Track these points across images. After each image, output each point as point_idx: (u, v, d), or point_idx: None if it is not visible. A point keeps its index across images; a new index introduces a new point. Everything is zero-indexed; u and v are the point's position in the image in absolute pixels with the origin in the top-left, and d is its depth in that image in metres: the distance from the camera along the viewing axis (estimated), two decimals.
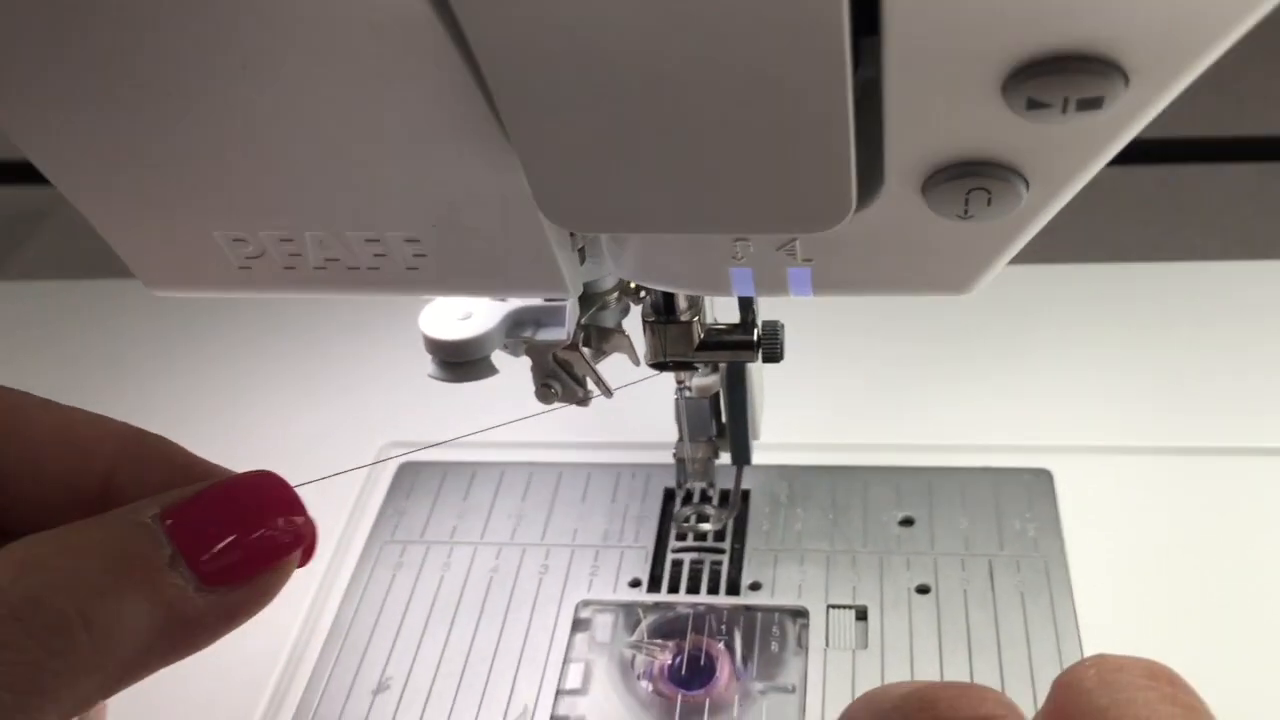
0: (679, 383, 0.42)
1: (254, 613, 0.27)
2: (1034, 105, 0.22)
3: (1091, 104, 0.22)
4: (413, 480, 0.51)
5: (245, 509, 0.26)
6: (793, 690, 0.40)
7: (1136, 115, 0.23)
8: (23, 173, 0.73)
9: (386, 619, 0.45)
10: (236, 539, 0.26)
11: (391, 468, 0.52)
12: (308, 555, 0.29)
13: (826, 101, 0.23)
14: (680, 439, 0.45)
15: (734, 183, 0.25)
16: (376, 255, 0.31)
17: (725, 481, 0.47)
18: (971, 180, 0.25)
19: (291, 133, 0.27)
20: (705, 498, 0.47)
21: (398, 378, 0.57)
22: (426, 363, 0.37)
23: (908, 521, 0.46)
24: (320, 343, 0.61)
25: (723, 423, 0.45)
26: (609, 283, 0.39)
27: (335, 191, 0.29)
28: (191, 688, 0.42)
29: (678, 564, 0.46)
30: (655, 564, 0.46)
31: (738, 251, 0.29)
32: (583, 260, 0.33)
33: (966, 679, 0.39)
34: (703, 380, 0.43)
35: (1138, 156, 0.65)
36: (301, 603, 0.45)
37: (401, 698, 0.42)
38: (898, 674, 0.40)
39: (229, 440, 0.55)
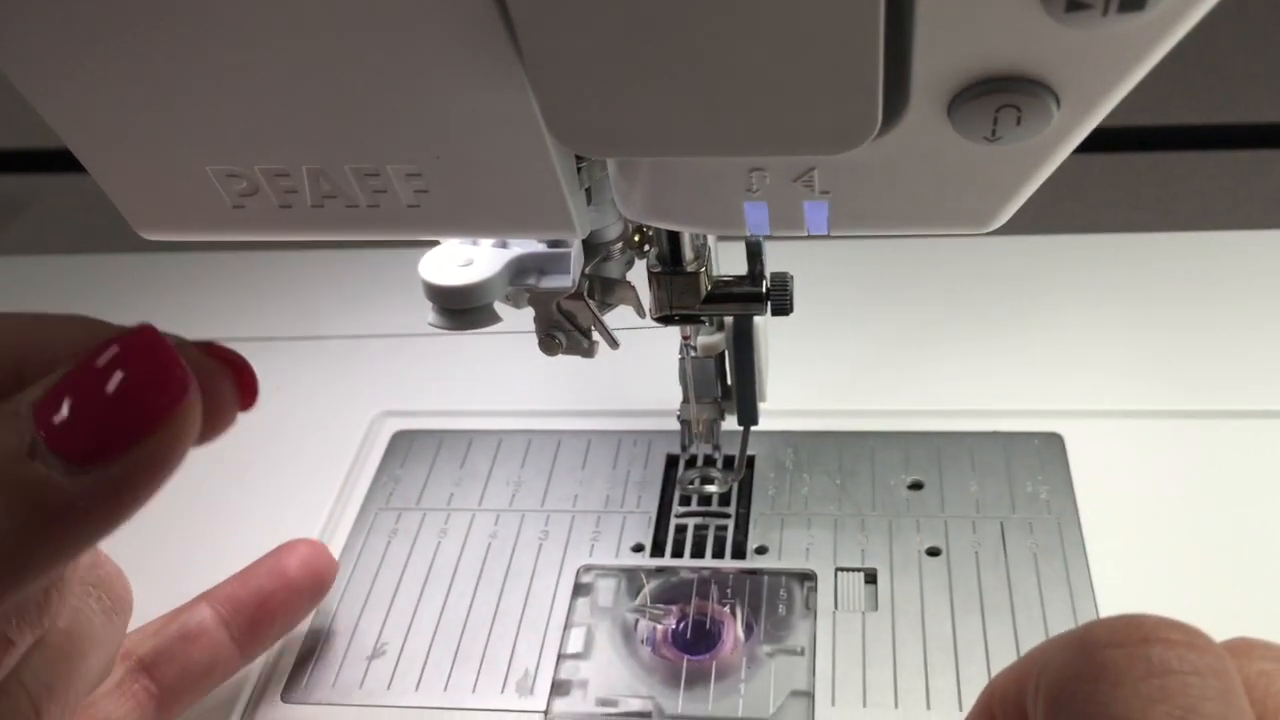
0: (684, 339, 0.41)
1: (151, 487, 0.24)
2: (1073, 7, 0.21)
3: (1134, 4, 0.21)
4: (408, 448, 0.50)
5: (109, 373, 0.23)
6: (801, 652, 0.39)
7: (1174, 22, 0.22)
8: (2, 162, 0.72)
9: (381, 585, 0.44)
10: (101, 407, 0.23)
11: (385, 436, 0.51)
12: (249, 398, 0.26)
13: (856, 7, 0.22)
14: (685, 400, 0.44)
15: (755, 98, 0.24)
16: (376, 192, 0.30)
17: (730, 447, 0.46)
18: (1001, 97, 0.24)
19: (287, 56, 0.26)
20: (710, 461, 0.46)
21: (392, 348, 0.56)
22: (427, 311, 0.36)
23: (917, 485, 0.45)
24: (313, 313, 0.60)
25: (728, 384, 0.44)
26: (613, 232, 0.37)
27: (333, 120, 0.28)
28: None
29: (681, 529, 0.44)
30: (658, 529, 0.45)
31: (753, 183, 0.28)
32: (589, 201, 0.32)
33: (980, 640, 0.38)
34: (708, 339, 0.42)
35: (1134, 145, 0.65)
36: None
37: (398, 663, 0.41)
38: (909, 635, 0.39)
39: None
